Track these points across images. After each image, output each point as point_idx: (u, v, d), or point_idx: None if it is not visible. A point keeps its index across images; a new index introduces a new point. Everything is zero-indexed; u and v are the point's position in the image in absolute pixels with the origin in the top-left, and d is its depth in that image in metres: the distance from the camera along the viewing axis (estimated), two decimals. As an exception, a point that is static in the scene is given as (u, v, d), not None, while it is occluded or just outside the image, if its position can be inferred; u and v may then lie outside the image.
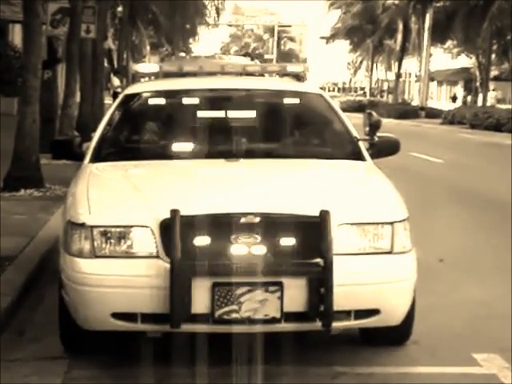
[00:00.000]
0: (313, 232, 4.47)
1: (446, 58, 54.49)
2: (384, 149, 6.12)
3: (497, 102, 45.75)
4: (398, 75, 56.83)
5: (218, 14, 44.84)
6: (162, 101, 6.38)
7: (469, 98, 53.22)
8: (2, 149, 12.34)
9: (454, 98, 56.30)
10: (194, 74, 6.98)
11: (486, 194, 12.78)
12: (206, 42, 72.38)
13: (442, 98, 61.00)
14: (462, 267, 7.65)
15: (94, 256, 4.51)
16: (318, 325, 4.49)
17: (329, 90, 74.69)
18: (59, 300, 4.89)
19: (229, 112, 6.14)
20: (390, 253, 4.64)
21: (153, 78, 7.24)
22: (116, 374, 4.74)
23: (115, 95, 28.04)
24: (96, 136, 5.89)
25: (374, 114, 6.22)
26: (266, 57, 74.54)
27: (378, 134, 6.11)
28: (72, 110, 17.21)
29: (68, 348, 5.03)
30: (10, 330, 5.44)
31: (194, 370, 4.70)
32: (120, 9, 37.86)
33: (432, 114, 45.55)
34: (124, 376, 4.70)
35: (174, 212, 4.39)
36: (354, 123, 6.21)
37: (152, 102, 6.42)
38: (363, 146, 5.94)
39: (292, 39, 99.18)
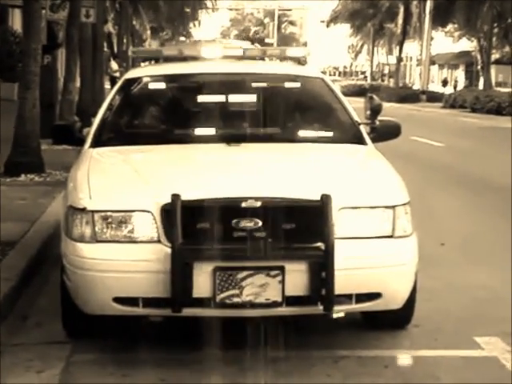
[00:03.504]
0: (314, 216, 4.48)
1: (447, 41, 54.35)
2: (385, 133, 6.12)
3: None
4: (399, 59, 56.70)
5: None
6: (162, 85, 6.37)
7: (463, 83, 53.48)
8: (3, 134, 12.35)
9: (444, 83, 56.48)
10: (194, 58, 6.96)
11: (486, 177, 12.78)
12: (207, 26, 72.17)
13: (448, 82, 60.79)
14: (462, 250, 7.66)
15: (95, 241, 4.53)
16: (319, 309, 4.51)
17: (330, 74, 74.55)
18: (61, 285, 4.91)
19: (229, 96, 6.13)
20: (391, 237, 4.65)
21: (153, 62, 7.22)
22: (118, 358, 4.75)
23: (113, 80, 28.00)
24: (96, 121, 5.88)
25: (375, 97, 6.21)
26: (267, 41, 74.37)
27: (379, 117, 6.10)
28: (72, 94, 17.17)
29: (70, 332, 5.06)
30: (13, 315, 5.47)
31: (197, 354, 4.72)
32: (120, -8, 37.71)
33: (433, 97, 45.54)
34: (126, 360, 4.72)
35: (175, 196, 4.40)
36: (355, 107, 6.21)
37: (152, 86, 6.40)
38: (364, 130, 5.95)
39: (292, 23, 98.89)
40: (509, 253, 7.34)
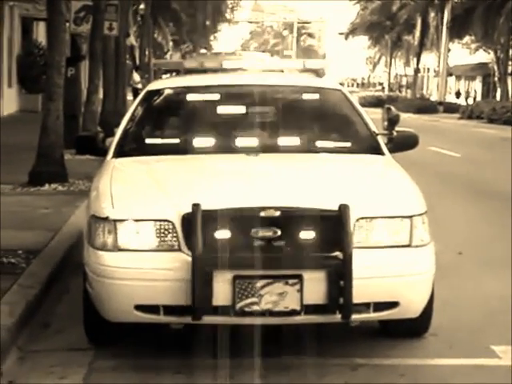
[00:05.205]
0: (332, 225, 4.52)
1: (465, 53, 54.26)
2: (402, 143, 6.16)
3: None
4: (417, 70, 56.66)
5: (232, 11, 45.05)
6: (183, 97, 6.44)
7: (473, 93, 53.86)
8: (28, 144, 12.49)
9: (457, 94, 56.68)
10: (215, 71, 7.05)
11: (503, 188, 12.73)
12: (227, 38, 72.49)
13: (461, 93, 60.67)
14: (479, 260, 7.67)
15: (117, 249, 4.59)
16: (337, 317, 4.55)
17: (348, 86, 74.56)
18: (83, 292, 4.97)
19: (249, 107, 6.20)
20: (408, 246, 4.68)
21: (174, 74, 7.31)
22: (139, 364, 4.80)
23: (135, 91, 28.17)
24: (119, 132, 5.96)
25: (393, 108, 6.26)
26: (286, 53, 74.48)
27: (397, 128, 6.15)
28: (95, 106, 17.29)
29: (92, 339, 5.11)
30: (36, 322, 5.52)
31: (215, 361, 4.76)
32: (142, 6, 38.02)
33: (450, 108, 45.48)
34: (147, 366, 4.77)
35: (196, 206, 4.46)
36: (372, 118, 6.25)
37: (173, 97, 6.48)
38: (382, 141, 5.98)
39: (311, 35, 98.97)
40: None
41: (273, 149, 5.71)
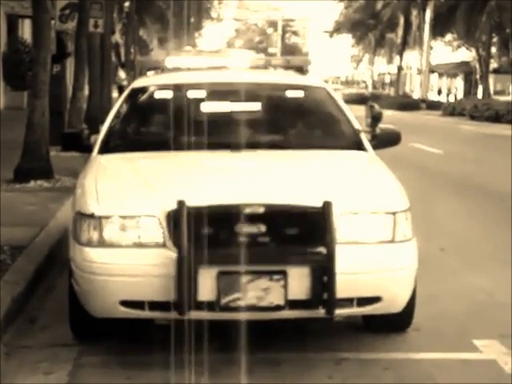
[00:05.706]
0: (316, 222, 4.56)
1: (447, 51, 54.63)
2: (385, 140, 6.22)
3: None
4: (400, 68, 56.97)
5: (220, 3, 45.01)
6: (168, 94, 6.45)
7: (454, 91, 54.84)
8: (13, 141, 12.48)
9: (439, 92, 57.51)
10: (199, 68, 7.08)
11: (485, 184, 12.84)
12: (212, 36, 72.42)
13: (442, 91, 61.07)
14: (461, 256, 7.73)
15: (102, 245, 4.61)
16: (321, 312, 4.58)
17: (332, 83, 74.74)
18: (69, 288, 4.99)
19: (233, 105, 6.23)
20: (391, 242, 4.72)
21: (159, 71, 7.33)
22: (125, 360, 4.83)
23: (120, 88, 28.14)
24: (104, 128, 5.97)
25: (376, 106, 6.33)
26: (270, 50, 74.61)
27: (380, 125, 6.21)
28: (81, 103, 17.28)
29: (78, 335, 5.13)
30: (22, 318, 5.54)
31: (199, 357, 4.78)
32: (127, 3, 37.95)
33: (433, 105, 45.82)
34: (133, 362, 4.79)
35: (181, 203, 4.49)
36: (356, 115, 6.30)
37: (158, 94, 6.50)
38: (365, 138, 6.03)
39: (295, 33, 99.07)
40: (506, 257, 7.42)
41: (257, 145, 5.74)
